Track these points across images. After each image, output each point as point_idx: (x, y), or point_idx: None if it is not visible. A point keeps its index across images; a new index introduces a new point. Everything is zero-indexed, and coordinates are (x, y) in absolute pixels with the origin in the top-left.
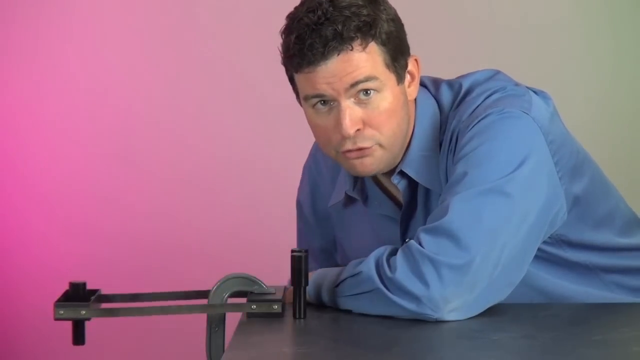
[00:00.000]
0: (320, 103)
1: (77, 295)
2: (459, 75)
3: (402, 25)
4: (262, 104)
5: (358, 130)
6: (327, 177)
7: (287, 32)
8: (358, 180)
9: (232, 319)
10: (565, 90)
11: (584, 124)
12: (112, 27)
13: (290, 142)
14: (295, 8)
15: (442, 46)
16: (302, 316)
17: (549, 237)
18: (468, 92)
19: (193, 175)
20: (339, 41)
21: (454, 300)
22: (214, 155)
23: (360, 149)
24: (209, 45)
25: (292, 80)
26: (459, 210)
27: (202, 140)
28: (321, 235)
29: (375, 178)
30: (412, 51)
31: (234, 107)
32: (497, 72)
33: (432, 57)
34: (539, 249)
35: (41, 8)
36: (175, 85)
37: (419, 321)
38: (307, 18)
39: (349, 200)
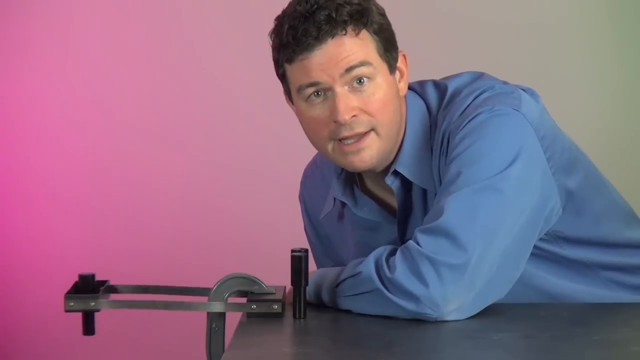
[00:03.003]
0: (314, 94)
1: (87, 286)
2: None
3: (390, 23)
4: (263, 104)
5: (354, 116)
6: (320, 202)
7: (278, 27)
8: (347, 187)
9: (232, 319)
10: (565, 90)
11: (583, 124)
12: (118, 27)
13: (291, 142)
14: (284, 10)
15: (439, 46)
16: (302, 316)
17: (545, 234)
18: (456, 93)
19: (194, 175)
20: (333, 25)
21: (454, 300)
22: (215, 155)
23: (357, 134)
24: (213, 45)
25: (283, 77)
26: (455, 209)
27: (205, 140)
28: (330, 257)
29: (363, 186)
30: (411, 53)
31: (236, 106)
32: (483, 74)
33: (429, 57)
34: (536, 247)
35: (41, 9)
36: (183, 84)
37: (419, 321)
38: (299, 7)
39: (341, 214)
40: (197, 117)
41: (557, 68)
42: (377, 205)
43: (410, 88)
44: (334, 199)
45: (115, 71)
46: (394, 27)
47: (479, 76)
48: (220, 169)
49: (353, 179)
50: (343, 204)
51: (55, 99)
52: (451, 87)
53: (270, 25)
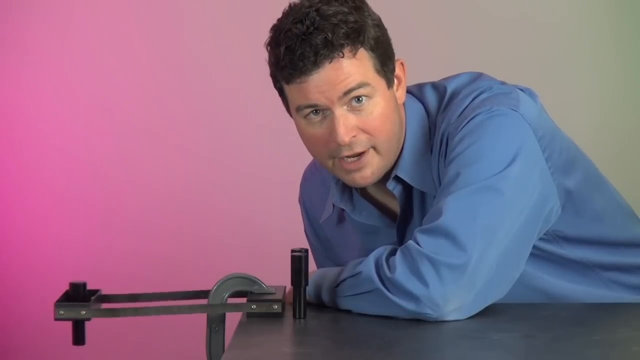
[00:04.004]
0: (313, 113)
1: (77, 295)
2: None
3: (386, 30)
4: (263, 104)
5: (353, 137)
6: (320, 204)
7: (274, 44)
8: (345, 192)
9: (232, 319)
10: (565, 89)
11: (583, 123)
12: (119, 27)
13: (291, 142)
14: (280, 20)
15: (439, 46)
16: (302, 316)
17: (545, 234)
18: (454, 94)
19: (193, 176)
20: (330, 49)
21: (454, 300)
22: (214, 155)
23: (356, 154)
24: (215, 45)
25: (281, 91)
26: (454, 209)
27: (204, 141)
28: (331, 259)
29: (363, 190)
30: (411, 51)
31: (236, 107)
32: (481, 74)
33: (429, 57)
34: (536, 247)
35: (41, 9)
36: (182, 85)
37: (419, 321)
38: (295, 29)
39: (341, 217)
40: (197, 118)
41: (557, 67)
42: (376, 210)
43: (408, 92)
44: (333, 204)
45: (114, 71)
46: (395, 26)
47: (477, 77)
48: (220, 169)
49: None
50: (342, 209)
51: (55, 99)
52: (449, 89)
53: (272, 23)
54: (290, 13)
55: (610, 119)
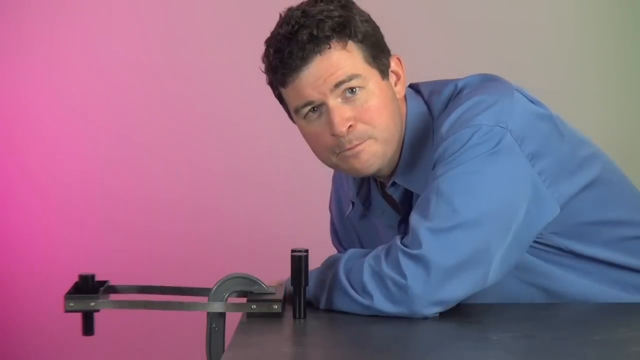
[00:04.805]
0: (311, 111)
1: (87, 286)
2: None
3: (377, 27)
4: (264, 105)
5: (350, 127)
6: (346, 199)
7: (266, 51)
8: (362, 188)
9: (232, 319)
10: (568, 94)
11: (584, 125)
12: (121, 24)
13: (291, 143)
14: (271, 32)
15: (441, 48)
16: (302, 316)
17: (549, 234)
18: (457, 96)
19: (194, 176)
20: (316, 42)
21: (451, 300)
22: (214, 155)
23: (355, 145)
24: (212, 44)
25: (280, 99)
26: (453, 210)
27: (204, 141)
28: (347, 240)
29: (382, 188)
30: (412, 53)
31: (237, 107)
32: (486, 75)
33: (431, 59)
34: (539, 248)
35: (42, 8)
36: (184, 83)
37: (419, 321)
38: (282, 30)
39: (364, 213)
40: (198, 118)
41: (557, 69)
42: (389, 207)
43: (413, 91)
44: (352, 201)
45: (115, 73)
46: (396, 26)
47: (482, 78)
48: (220, 169)
49: (369, 182)
50: (362, 203)
51: (55, 100)
52: (452, 89)
53: (267, 25)
54: (278, 22)
55: (612, 121)
